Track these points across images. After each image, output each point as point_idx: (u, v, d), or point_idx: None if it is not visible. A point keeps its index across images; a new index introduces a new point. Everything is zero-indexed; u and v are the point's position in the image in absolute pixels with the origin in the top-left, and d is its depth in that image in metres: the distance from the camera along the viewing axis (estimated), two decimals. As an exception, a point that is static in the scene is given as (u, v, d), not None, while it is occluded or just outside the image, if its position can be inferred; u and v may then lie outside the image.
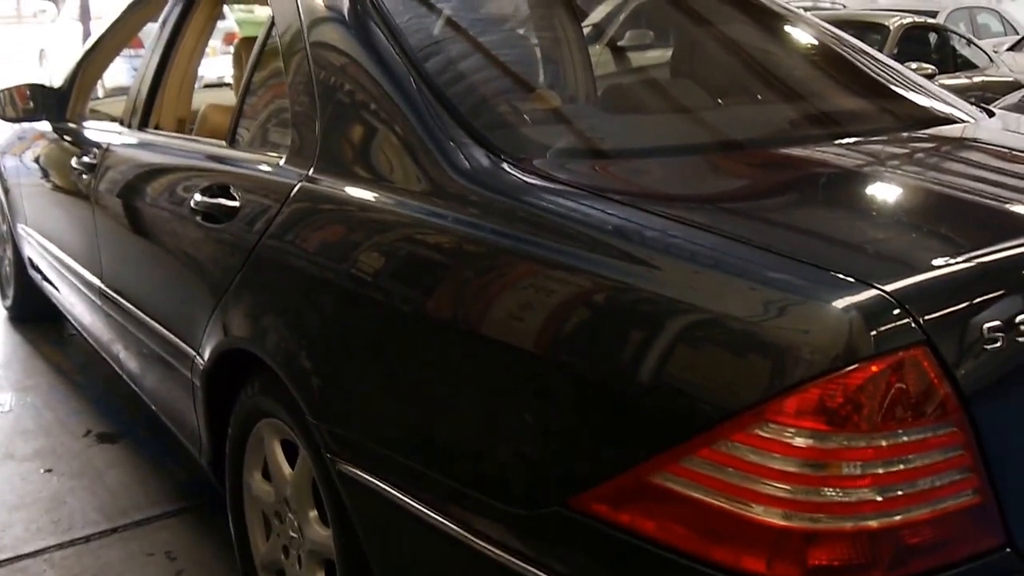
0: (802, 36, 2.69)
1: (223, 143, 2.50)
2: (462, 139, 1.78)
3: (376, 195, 1.84)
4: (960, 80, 7.97)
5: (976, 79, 8.30)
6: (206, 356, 2.24)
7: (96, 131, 3.45)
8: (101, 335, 3.27)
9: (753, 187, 1.83)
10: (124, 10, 3.66)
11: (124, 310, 2.89)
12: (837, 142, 2.05)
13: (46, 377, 3.98)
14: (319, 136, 2.03)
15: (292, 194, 2.00)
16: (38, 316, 4.51)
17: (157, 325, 2.62)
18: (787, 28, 2.71)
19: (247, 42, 2.97)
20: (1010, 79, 8.44)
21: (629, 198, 1.63)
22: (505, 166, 1.71)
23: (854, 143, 2.04)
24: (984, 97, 7.03)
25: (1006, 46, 11.54)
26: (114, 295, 2.97)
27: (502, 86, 2.24)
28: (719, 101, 2.48)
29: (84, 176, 3.19)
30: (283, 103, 2.21)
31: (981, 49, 9.16)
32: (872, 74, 2.56)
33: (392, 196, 1.80)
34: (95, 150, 3.19)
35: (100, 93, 11.07)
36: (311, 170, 2.00)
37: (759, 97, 2.50)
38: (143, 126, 3.05)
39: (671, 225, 1.47)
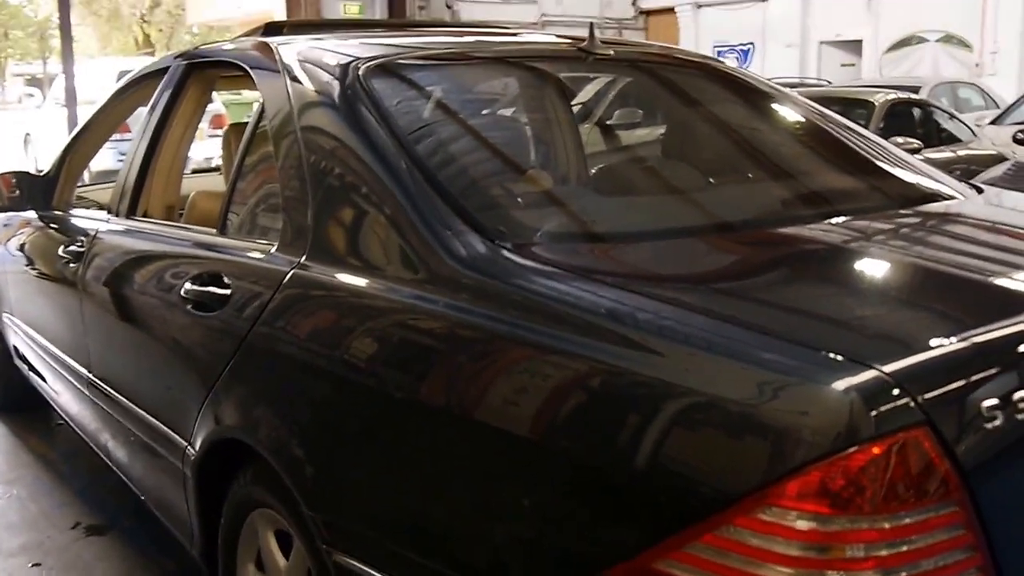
0: (790, 114, 2.72)
1: (213, 231, 2.47)
2: (455, 223, 1.77)
3: (368, 281, 1.83)
4: (945, 154, 8.04)
5: (960, 153, 8.37)
6: (197, 446, 2.20)
7: (83, 219, 3.42)
8: (89, 425, 3.22)
9: (747, 268, 1.83)
10: (111, 96, 3.68)
11: (113, 400, 2.85)
12: (829, 221, 2.05)
13: (32, 469, 3.92)
14: (311, 222, 2.01)
15: (284, 282, 1.98)
16: (24, 406, 4.45)
17: (147, 415, 2.58)
18: (775, 106, 2.75)
19: (236, 128, 3.00)
20: (993, 152, 8.52)
21: (623, 281, 1.64)
22: (499, 250, 1.71)
23: (846, 221, 2.05)
24: (969, 170, 7.10)
25: (988, 120, 11.68)
26: (102, 385, 2.93)
27: (493, 168, 2.25)
28: (710, 181, 2.48)
29: (71, 265, 3.16)
30: (274, 189, 2.21)
31: (964, 123, 9.26)
32: (860, 152, 2.58)
33: (384, 282, 1.79)
34: (82, 238, 3.17)
35: (87, 178, 11.16)
36: (303, 257, 1.98)
37: (750, 176, 2.52)
38: (131, 214, 3.02)
39: (667, 308, 1.48)
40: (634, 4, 21.42)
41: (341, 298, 1.89)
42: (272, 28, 2.82)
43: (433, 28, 3.13)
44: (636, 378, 1.32)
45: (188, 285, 2.31)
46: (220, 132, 12.68)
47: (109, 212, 3.13)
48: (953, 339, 1.33)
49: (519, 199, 2.10)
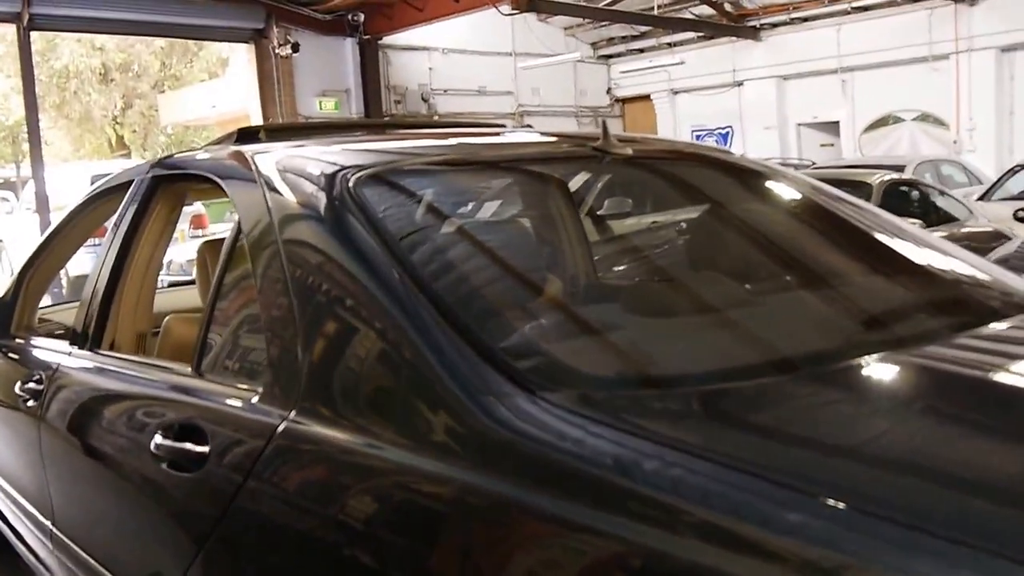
0: (839, 213, 2.37)
1: (187, 368, 2.16)
2: (485, 372, 1.47)
3: (378, 444, 1.51)
4: (945, 233, 7.86)
5: (959, 231, 8.20)
6: None
7: (43, 350, 3.11)
8: None
9: (846, 425, 1.41)
10: (71, 212, 3.36)
11: (79, 560, 2.50)
12: (918, 349, 1.67)
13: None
14: (302, 364, 1.72)
15: (271, 441, 1.67)
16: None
17: None
18: (819, 204, 2.41)
19: (212, 246, 2.69)
20: (990, 229, 8.35)
21: (699, 447, 1.28)
22: (539, 403, 1.40)
23: (941, 347, 1.68)
24: (971, 247, 6.88)
25: (975, 196, 11.57)
26: (66, 541, 2.59)
27: (521, 297, 1.95)
28: (757, 299, 2.14)
29: (30, 403, 2.83)
30: (255, 321, 1.91)
31: (958, 200, 9.12)
32: (918, 255, 2.24)
33: (399, 449, 1.48)
34: (41, 373, 2.84)
35: (64, 283, 10.71)
36: (293, 410, 1.67)
37: (799, 292, 2.14)
38: (96, 345, 2.69)
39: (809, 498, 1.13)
40: (609, 92, 21.49)
41: (344, 467, 1.56)
42: (246, 134, 2.54)
43: (417, 127, 2.82)
44: None
45: (159, 439, 1.99)
46: (201, 233, 12.47)
47: (71, 342, 2.81)
48: None
49: (557, 333, 1.79)
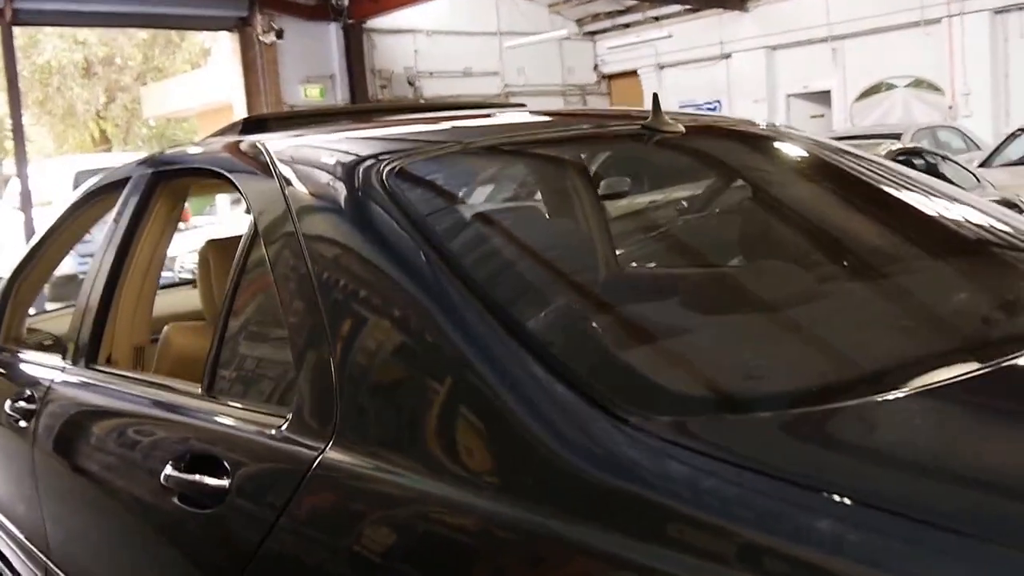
0: (911, 191, 2.10)
1: (197, 388, 1.92)
2: (566, 396, 1.23)
3: (439, 484, 1.28)
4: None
5: (968, 199, 8.05)
6: None
7: (34, 365, 2.84)
8: None
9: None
10: (62, 214, 3.09)
11: None
12: None
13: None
14: (337, 388, 1.48)
15: (306, 478, 1.45)
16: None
17: None
18: (885, 180, 2.16)
19: (216, 247, 2.48)
20: (999, 198, 8.21)
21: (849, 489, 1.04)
22: (637, 435, 1.16)
23: None
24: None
25: (975, 163, 11.42)
26: None
27: (598, 307, 1.70)
28: (870, 292, 1.84)
29: (22, 423, 2.58)
30: (278, 333, 1.69)
31: (965, 168, 8.97)
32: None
33: (462, 488, 1.26)
34: (33, 391, 2.60)
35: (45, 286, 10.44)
36: (330, 440, 1.45)
37: (913, 281, 1.86)
38: (91, 360, 2.44)
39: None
40: (596, 70, 21.27)
41: (394, 508, 1.34)
42: (252, 124, 2.30)
43: (435, 110, 2.55)
44: None
45: (170, 470, 1.77)
46: (184, 227, 12.20)
47: (64, 357, 2.57)
48: None
49: (641, 346, 1.54)
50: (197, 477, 1.70)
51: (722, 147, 2.33)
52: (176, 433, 1.94)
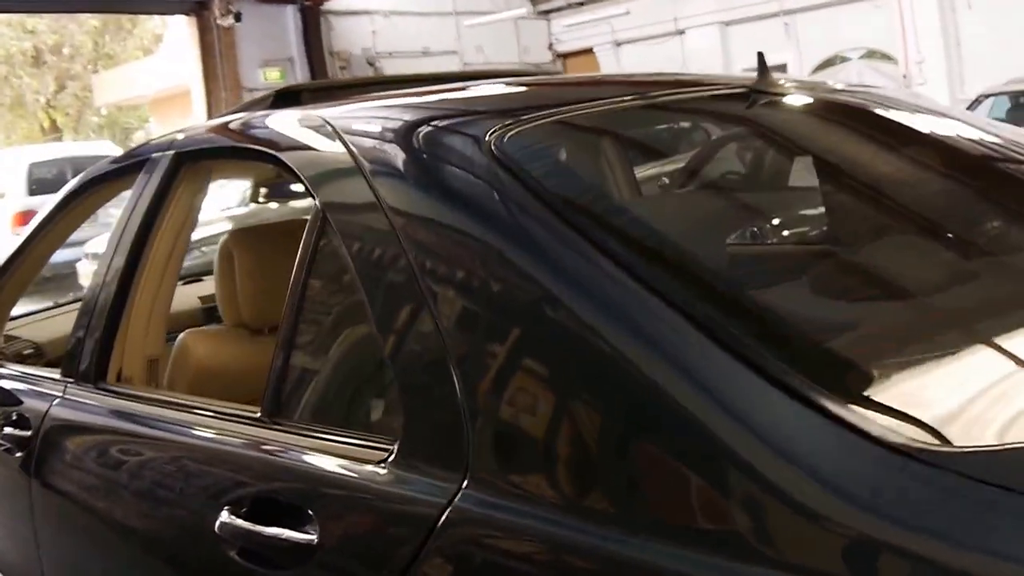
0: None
1: (254, 411, 1.59)
2: (837, 432, 0.95)
3: (635, 543, 1.01)
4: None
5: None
6: None
7: (25, 384, 2.35)
8: None
9: None
10: (53, 208, 2.60)
11: None
12: None
13: None
14: (466, 411, 1.18)
15: (437, 530, 1.15)
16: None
17: None
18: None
19: (240, 238, 2.23)
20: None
21: None
22: (944, 474, 0.90)
23: None
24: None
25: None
26: None
27: (827, 302, 1.41)
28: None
29: (16, 454, 2.15)
30: (367, 348, 1.47)
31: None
32: None
33: (666, 544, 0.99)
34: (28, 417, 2.17)
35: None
36: (464, 480, 1.16)
37: None
38: (100, 377, 2.05)
39: None
40: (551, 48, 21.30)
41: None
42: (284, 96, 2.06)
43: (479, 79, 2.22)
44: None
45: (226, 516, 1.45)
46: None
47: (64, 373, 2.16)
48: None
49: (890, 352, 1.23)
50: (269, 529, 1.37)
51: (853, 114, 1.98)
52: (231, 470, 1.59)
